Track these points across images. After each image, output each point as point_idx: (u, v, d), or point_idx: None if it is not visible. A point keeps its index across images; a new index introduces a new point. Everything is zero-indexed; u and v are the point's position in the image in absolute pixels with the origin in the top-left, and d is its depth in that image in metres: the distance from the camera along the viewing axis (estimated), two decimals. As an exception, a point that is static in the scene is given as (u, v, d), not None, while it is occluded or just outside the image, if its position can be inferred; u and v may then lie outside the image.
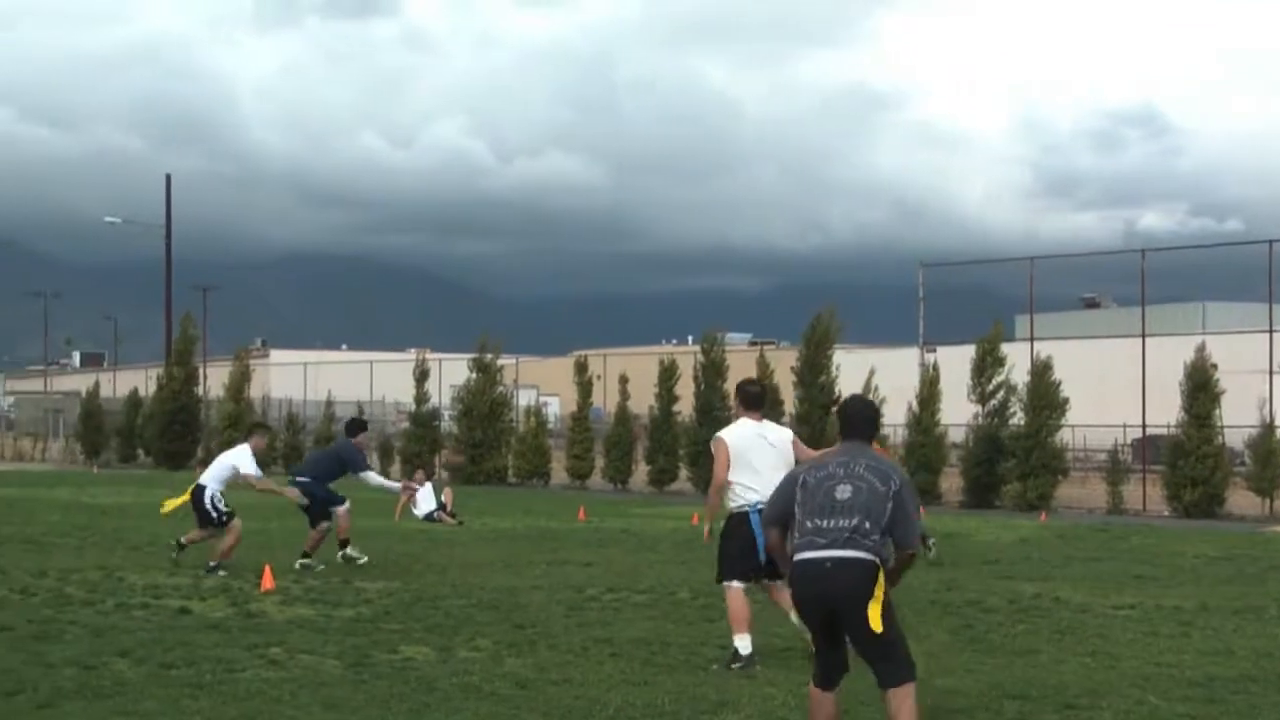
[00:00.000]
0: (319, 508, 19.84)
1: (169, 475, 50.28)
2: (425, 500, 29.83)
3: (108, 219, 75.58)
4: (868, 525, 8.15)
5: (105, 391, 72.28)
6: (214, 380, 63.60)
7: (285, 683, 10.92)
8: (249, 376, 57.49)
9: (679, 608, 15.82)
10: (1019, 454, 36.64)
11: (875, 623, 8.05)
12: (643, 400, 46.25)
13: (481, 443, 47.53)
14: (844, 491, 8.26)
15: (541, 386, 79.31)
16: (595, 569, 19.76)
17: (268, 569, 17.15)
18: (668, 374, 44.53)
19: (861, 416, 8.87)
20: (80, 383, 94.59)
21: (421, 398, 50.29)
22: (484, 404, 47.70)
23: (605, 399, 50.74)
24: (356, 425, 21.30)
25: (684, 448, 42.79)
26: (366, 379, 59.29)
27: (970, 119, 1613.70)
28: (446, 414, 51.82)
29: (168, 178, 67.22)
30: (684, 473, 43.29)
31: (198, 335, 62.99)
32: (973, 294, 50.74)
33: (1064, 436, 38.28)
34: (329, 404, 55.13)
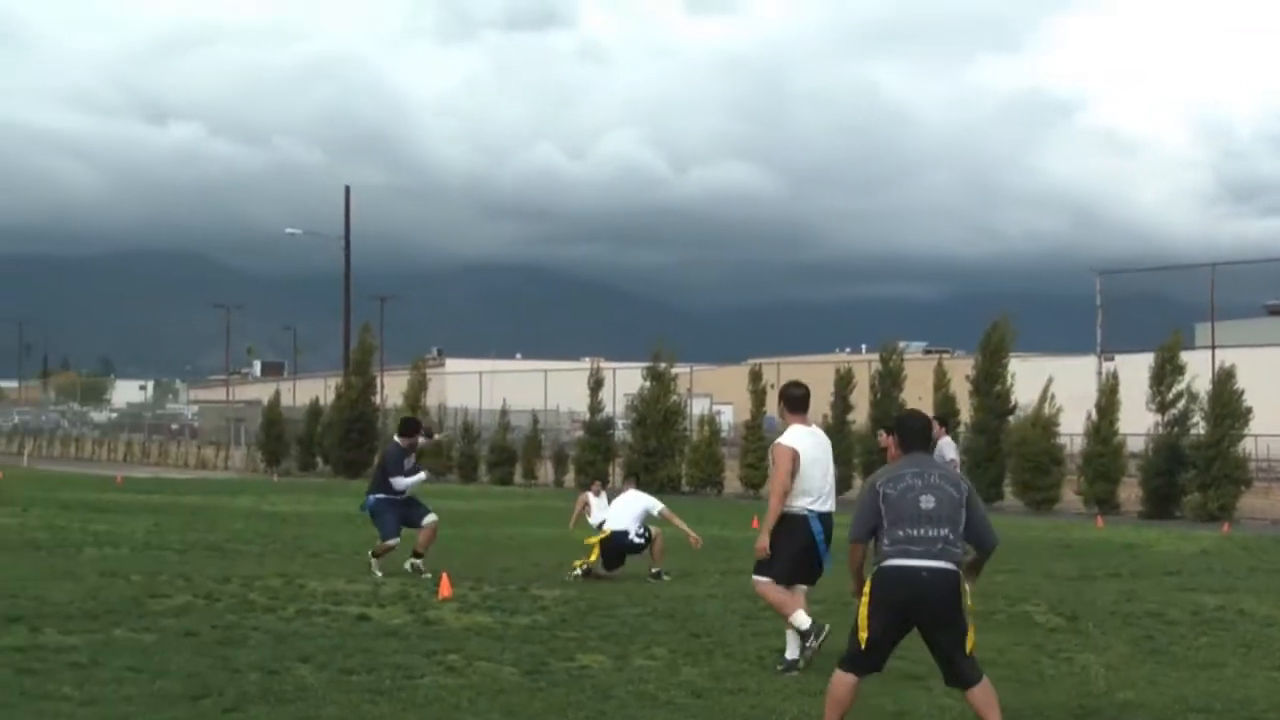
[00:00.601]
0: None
1: (347, 483, 51.14)
2: (600, 510, 29.92)
3: (289, 231, 77.11)
4: (952, 536, 8.82)
5: (285, 401, 73.69)
6: (391, 389, 64.59)
7: (463, 689, 11.03)
8: (425, 385, 58.28)
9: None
10: (1200, 464, 35.95)
11: (969, 629, 8.86)
12: (817, 409, 45.98)
13: (655, 451, 47.68)
14: (928, 502, 8.86)
15: (715, 395, 79.26)
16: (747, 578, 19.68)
17: (445, 576, 17.34)
18: (843, 383, 44.37)
19: (920, 429, 9.42)
20: (261, 392, 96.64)
21: (596, 407, 50.62)
22: (658, 413, 47.89)
23: (779, 408, 50.54)
24: (407, 425, 20.72)
25: (858, 457, 42.54)
26: (541, 388, 59.76)
27: (1148, 123, 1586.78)
28: (620, 423, 52.08)
29: (347, 190, 68.43)
30: (857, 482, 42.96)
31: (375, 345, 64.08)
32: (1151, 302, 49.82)
33: (1247, 446, 37.48)
34: (504, 413, 55.72)
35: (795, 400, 12.60)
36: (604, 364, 55.10)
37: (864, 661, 9.08)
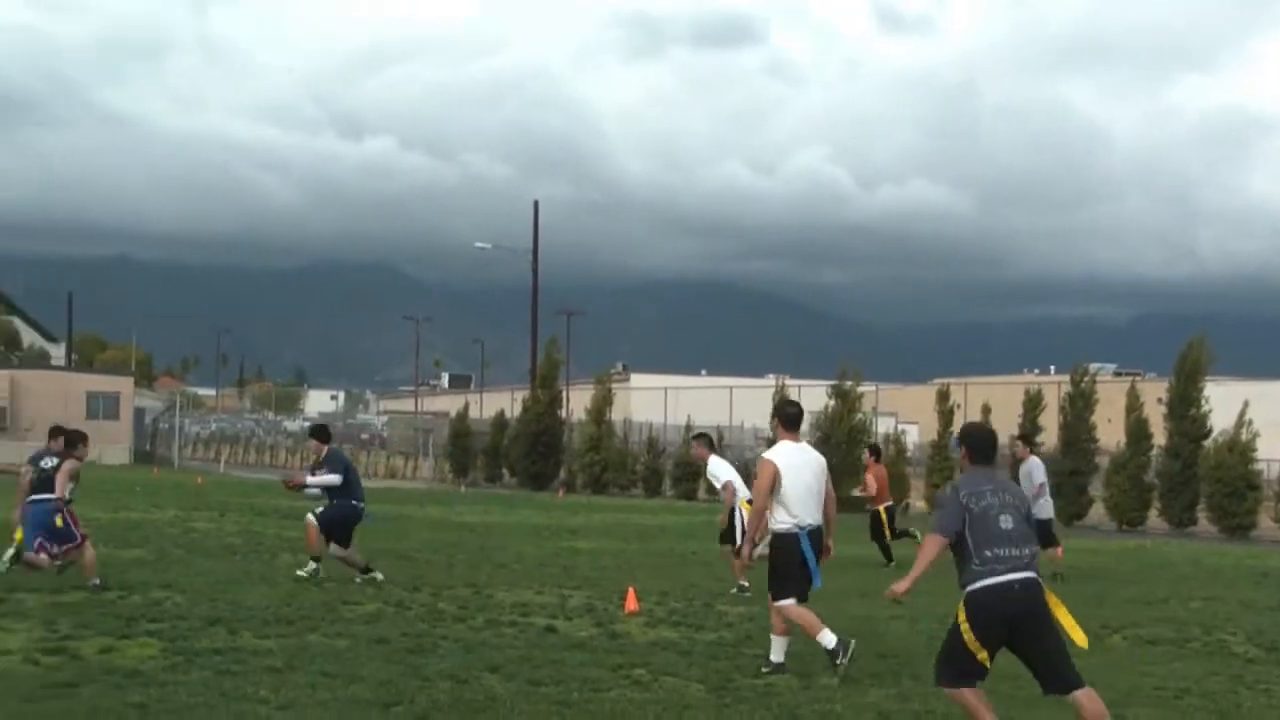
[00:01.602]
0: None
1: (532, 495, 51.61)
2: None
3: (478, 245, 78.08)
4: (1030, 551, 9.27)
5: (473, 413, 74.58)
6: (576, 403, 65.08)
7: (650, 704, 11.07)
8: (610, 400, 58.59)
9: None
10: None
11: (1074, 630, 9.38)
12: (1005, 430, 45.45)
13: (839, 469, 47.45)
14: (1007, 522, 9.28)
15: (899, 414, 78.69)
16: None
17: (631, 591, 17.42)
18: (1032, 404, 43.70)
19: (988, 441, 9.82)
20: (449, 404, 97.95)
21: (780, 424, 50.51)
22: (842, 431, 47.62)
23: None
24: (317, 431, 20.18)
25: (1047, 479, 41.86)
26: (726, 404, 59.77)
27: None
28: (804, 441, 51.94)
29: (535, 204, 69.12)
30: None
31: (561, 359, 64.57)
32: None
33: None
34: (688, 428, 55.76)
35: (790, 418, 13.08)
36: (789, 381, 54.96)
37: (979, 674, 9.32)
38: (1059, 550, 24.11)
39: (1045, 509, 23.81)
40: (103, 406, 71.89)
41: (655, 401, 65.12)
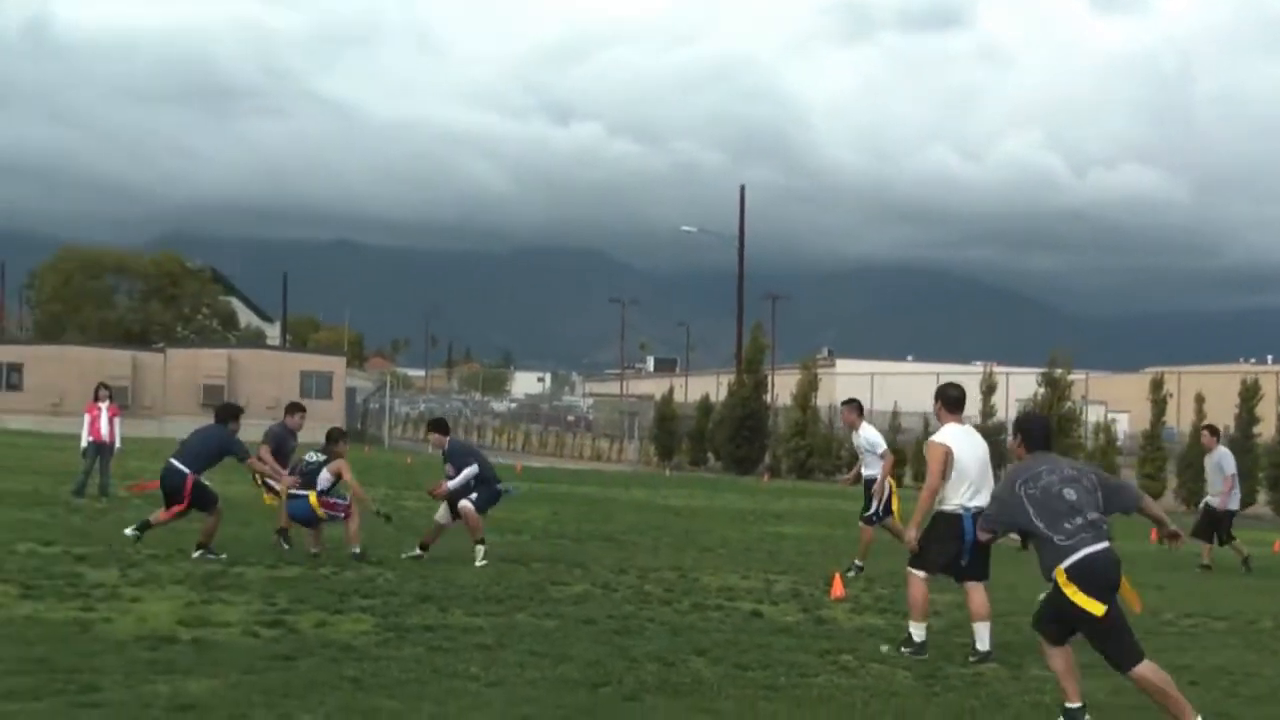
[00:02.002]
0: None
1: (737, 479, 51.64)
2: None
3: (684, 229, 78.22)
4: (1100, 520, 9.43)
5: (677, 396, 74.80)
6: (781, 388, 64.92)
7: (857, 690, 11.00)
8: (816, 385, 58.38)
9: (1261, 637, 15.11)
10: None
11: (1132, 596, 9.50)
12: (1219, 421, 44.43)
13: (1047, 459, 46.81)
14: (1070, 494, 9.47)
15: (1110, 403, 77.15)
16: (1170, 592, 19.08)
17: (837, 577, 17.34)
18: (1249, 394, 42.58)
19: (1043, 429, 10.33)
20: (654, 387, 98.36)
21: (987, 411, 49.85)
22: (1052, 419, 46.94)
23: (1179, 418, 49.00)
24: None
25: (1263, 470, 40.84)
26: (931, 391, 59.15)
27: None
28: (1012, 428, 51.25)
29: (741, 190, 69.03)
30: (1262, 496, 41.28)
31: (767, 343, 64.50)
32: None
33: None
34: (894, 414, 55.40)
35: (953, 400, 13.17)
36: (996, 368, 54.21)
37: (1065, 637, 9.57)
38: (1236, 542, 23.52)
39: (1233, 500, 23.28)
40: (316, 386, 73.43)
41: (860, 388, 64.62)
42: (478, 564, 18.09)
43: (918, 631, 12.80)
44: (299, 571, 16.62)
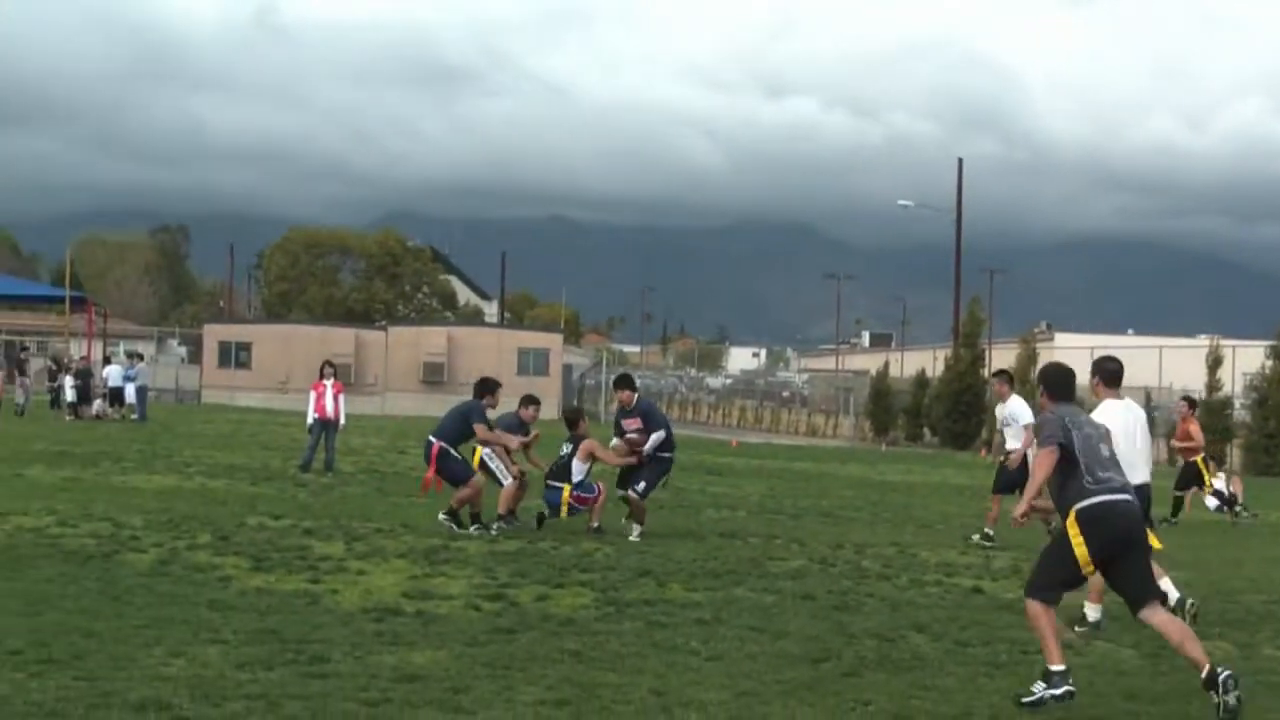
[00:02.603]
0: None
1: (953, 455, 51.09)
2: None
3: (900, 203, 77.48)
4: (1125, 479, 9.81)
5: (893, 371, 74.18)
6: (999, 362, 63.97)
7: (1082, 670, 10.76)
8: (1035, 359, 57.41)
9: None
10: None
11: (1156, 543, 10.12)
12: None
13: (1276, 434, 45.40)
14: (1105, 450, 9.79)
15: (1344, 376, 74.65)
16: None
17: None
18: None
19: (1069, 380, 10.34)
20: (869, 362, 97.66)
21: (1214, 385, 48.59)
22: None
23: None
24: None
25: None
26: (1155, 365, 57.83)
27: None
28: (1238, 403, 49.82)
29: (959, 162, 68.14)
30: None
31: (984, 318, 63.66)
32: None
33: None
34: (1116, 389, 54.25)
35: (1112, 374, 12.51)
36: (1223, 341, 52.76)
37: (1062, 590, 9.79)
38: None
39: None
40: (533, 362, 74.21)
41: (1080, 361, 63.29)
42: (632, 538, 17.99)
43: (1093, 611, 12.69)
44: (519, 546, 16.82)
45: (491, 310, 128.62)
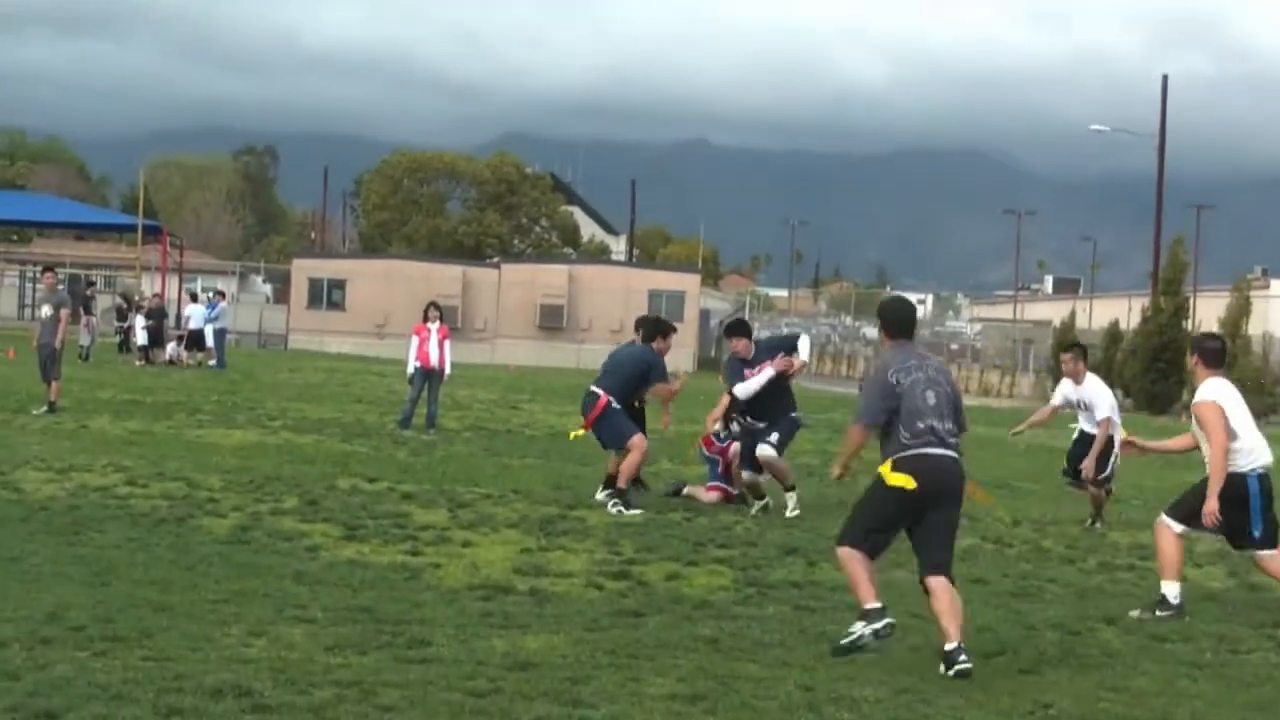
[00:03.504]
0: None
1: (1150, 420, 50.44)
2: None
3: (1093, 128, 76.47)
4: (952, 425, 10.65)
5: (1079, 322, 73.36)
6: (1206, 313, 63.05)
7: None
8: (1248, 310, 56.52)
9: None
10: None
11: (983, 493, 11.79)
12: None
13: None
14: (931, 397, 10.55)
15: None
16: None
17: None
18: None
19: (908, 316, 11.20)
20: (1052, 311, 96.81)
21: None
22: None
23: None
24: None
25: None
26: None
27: None
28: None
29: (1163, 80, 67.03)
30: None
31: (1189, 261, 62.74)
32: None
33: None
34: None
35: (1214, 354, 13.26)
36: None
37: (882, 546, 10.64)
38: None
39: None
40: (666, 306, 73.94)
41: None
42: (789, 513, 17.64)
43: (1170, 590, 12.66)
44: (646, 517, 16.81)
45: (619, 247, 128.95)
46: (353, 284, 75.91)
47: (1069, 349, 20.48)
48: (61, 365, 27.28)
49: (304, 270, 77.90)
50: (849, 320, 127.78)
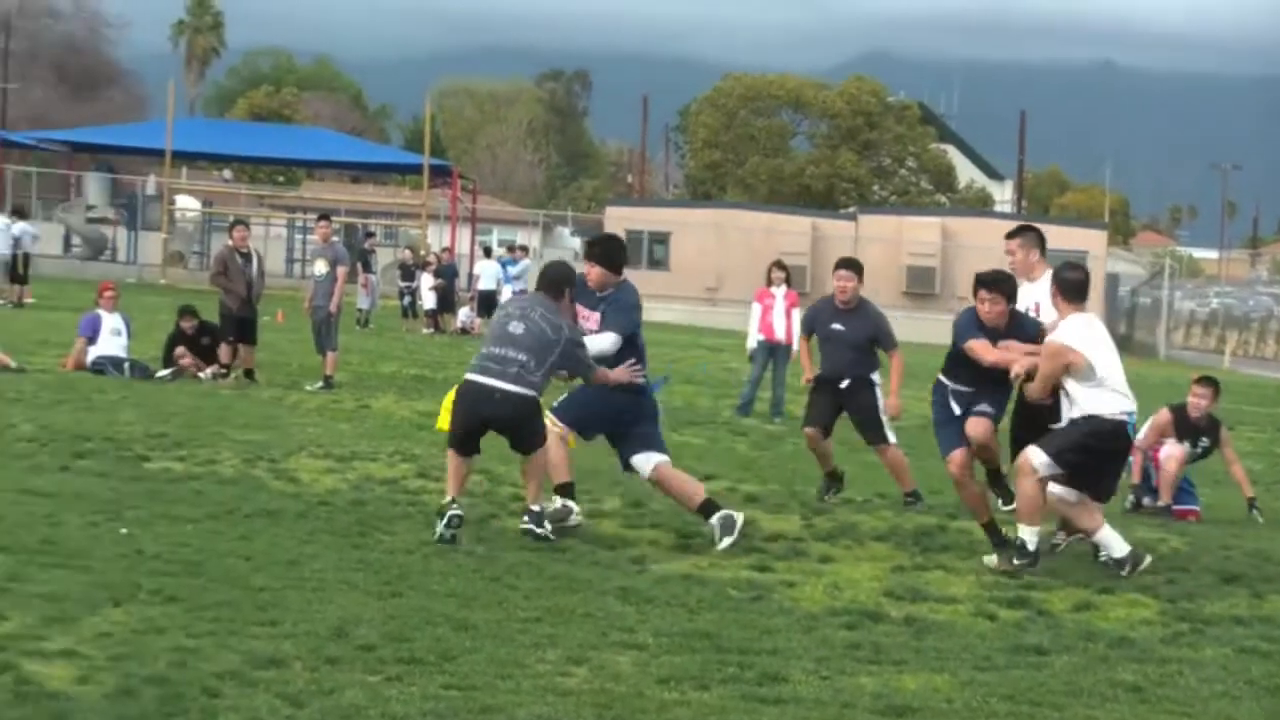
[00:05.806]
0: None
1: None
2: None
3: None
4: (533, 364, 13.99)
5: None
6: None
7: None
8: None
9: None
10: None
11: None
12: None
13: None
14: (515, 328, 14.14)
15: None
16: None
17: None
18: None
19: (558, 275, 14.82)
20: None
21: None
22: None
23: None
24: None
25: None
26: None
27: None
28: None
29: None
30: None
31: None
32: None
33: None
34: None
35: (1071, 285, 14.74)
36: None
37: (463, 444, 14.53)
38: None
39: None
40: (1064, 271, 73.14)
41: None
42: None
43: (1029, 535, 14.08)
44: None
45: (1004, 194, 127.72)
46: (678, 238, 76.18)
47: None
48: (338, 333, 27.89)
49: (619, 220, 78.07)
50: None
